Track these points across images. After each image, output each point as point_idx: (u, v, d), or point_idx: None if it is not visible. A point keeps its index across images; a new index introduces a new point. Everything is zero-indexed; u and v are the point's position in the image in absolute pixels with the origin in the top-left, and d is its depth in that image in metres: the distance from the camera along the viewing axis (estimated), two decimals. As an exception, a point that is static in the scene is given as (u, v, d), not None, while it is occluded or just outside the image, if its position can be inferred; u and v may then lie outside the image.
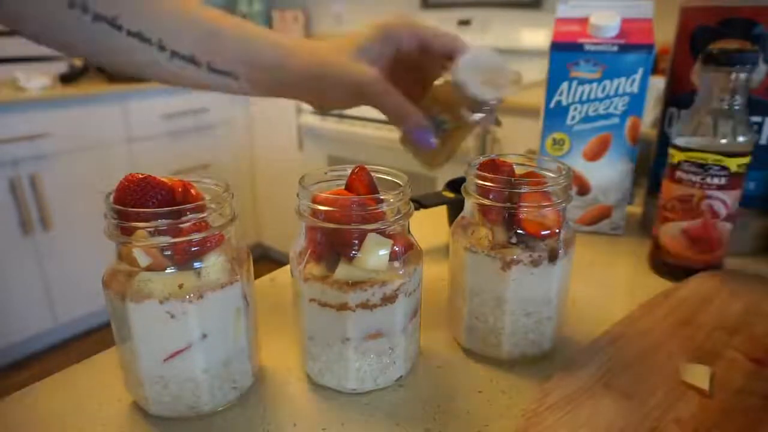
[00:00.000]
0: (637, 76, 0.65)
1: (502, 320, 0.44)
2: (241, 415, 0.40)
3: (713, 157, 0.54)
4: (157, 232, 0.35)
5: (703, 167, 0.55)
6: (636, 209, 0.78)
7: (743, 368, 0.43)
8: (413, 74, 0.51)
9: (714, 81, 0.54)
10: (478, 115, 0.48)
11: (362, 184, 0.40)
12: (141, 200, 0.36)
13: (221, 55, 0.44)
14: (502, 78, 0.47)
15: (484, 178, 0.42)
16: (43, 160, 1.82)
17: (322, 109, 0.50)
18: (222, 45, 0.44)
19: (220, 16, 0.45)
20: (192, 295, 0.36)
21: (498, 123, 0.52)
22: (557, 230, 0.43)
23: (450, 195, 0.65)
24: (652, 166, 0.71)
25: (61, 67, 2.13)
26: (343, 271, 0.38)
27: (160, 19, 0.43)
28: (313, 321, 0.41)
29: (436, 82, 0.52)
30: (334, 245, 0.39)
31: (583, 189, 0.71)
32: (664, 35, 0.77)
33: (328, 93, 0.47)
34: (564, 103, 0.67)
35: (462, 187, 0.45)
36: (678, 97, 0.66)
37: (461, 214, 0.47)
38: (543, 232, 0.43)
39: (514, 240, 0.43)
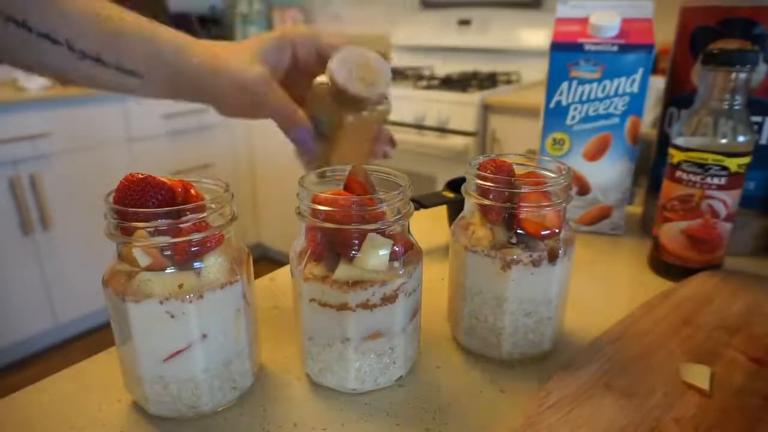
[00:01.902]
0: (637, 76, 0.65)
1: (502, 320, 0.44)
2: (241, 415, 0.40)
3: (713, 157, 0.54)
4: (157, 232, 0.35)
5: (703, 167, 0.55)
6: (636, 209, 0.78)
7: (743, 368, 0.43)
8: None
9: (714, 81, 0.54)
10: (358, 113, 0.48)
11: (359, 184, 0.40)
12: (141, 200, 0.36)
13: (126, 53, 0.45)
14: (379, 76, 0.47)
15: (484, 178, 0.42)
16: (43, 160, 1.82)
17: (226, 114, 0.50)
18: (126, 43, 0.45)
19: (123, 15, 0.46)
20: (192, 295, 0.36)
21: (384, 118, 0.50)
22: (557, 230, 0.43)
23: (450, 195, 0.65)
24: (652, 166, 0.71)
25: (61, 67, 2.12)
26: (343, 271, 0.38)
27: (67, 20, 0.43)
28: (313, 321, 0.41)
29: (316, 81, 0.51)
30: (334, 245, 0.39)
31: (583, 189, 0.71)
32: (664, 35, 0.78)
33: (221, 92, 0.47)
34: (564, 103, 0.67)
35: (462, 187, 0.45)
36: (678, 97, 0.66)
37: (461, 214, 0.47)
38: (543, 232, 0.43)
39: (514, 240, 0.43)
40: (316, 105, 0.49)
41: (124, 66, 0.45)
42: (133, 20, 0.46)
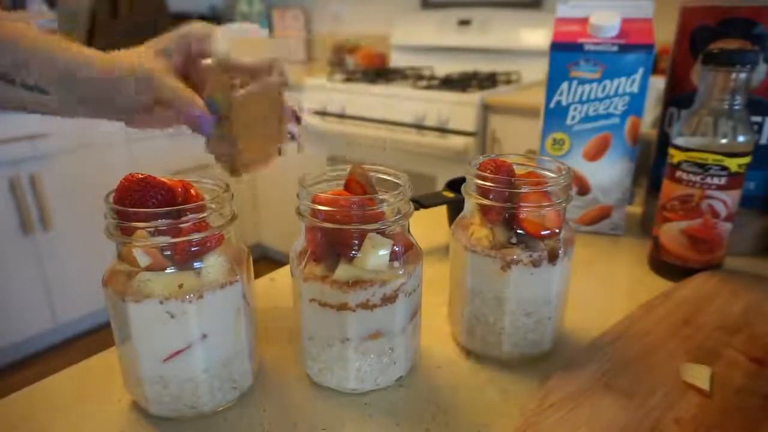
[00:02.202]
0: (637, 76, 0.65)
1: (502, 320, 0.44)
2: (241, 415, 0.40)
3: (713, 157, 0.54)
4: (157, 232, 0.35)
5: (703, 167, 0.55)
6: (636, 209, 0.78)
7: (743, 368, 0.43)
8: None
9: (714, 81, 0.54)
10: (252, 84, 0.49)
11: (359, 184, 0.40)
12: (141, 200, 0.36)
13: (29, 69, 0.45)
14: (260, 46, 0.49)
15: (484, 178, 0.42)
16: (43, 160, 1.82)
17: (134, 124, 0.50)
18: (29, 60, 0.45)
19: (26, 32, 0.46)
20: (192, 295, 0.36)
21: (279, 91, 0.51)
22: (557, 230, 0.43)
23: (450, 195, 0.65)
24: (652, 166, 0.71)
25: (61, 67, 2.12)
26: (343, 271, 0.38)
27: None
28: (313, 321, 0.41)
29: (204, 62, 0.51)
30: (334, 245, 0.39)
31: (583, 189, 0.71)
32: (664, 35, 0.77)
33: (121, 92, 0.47)
34: (564, 103, 0.67)
35: (462, 187, 0.45)
36: (678, 97, 0.66)
37: (461, 214, 0.47)
38: (543, 232, 0.43)
39: (514, 240, 0.43)
40: (208, 86, 0.49)
41: (29, 83, 0.45)
42: (34, 35, 0.46)
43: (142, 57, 0.47)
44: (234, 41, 0.47)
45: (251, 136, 0.51)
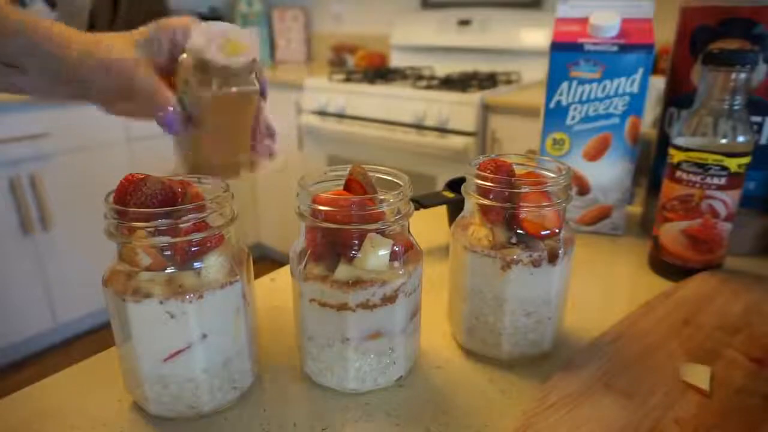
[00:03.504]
0: (637, 76, 0.65)
1: (502, 320, 0.44)
2: (241, 415, 0.40)
3: (713, 157, 0.54)
4: (157, 232, 0.35)
5: (703, 167, 0.55)
6: (636, 209, 0.78)
7: (743, 368, 0.43)
8: None
9: (714, 81, 0.54)
10: (225, 87, 0.47)
11: (359, 184, 0.40)
12: (141, 200, 0.36)
13: (6, 46, 0.43)
14: (239, 48, 0.46)
15: (484, 178, 0.42)
16: (43, 160, 1.82)
17: (111, 111, 0.49)
18: (5, 36, 0.43)
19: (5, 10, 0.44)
20: (192, 295, 0.36)
21: (251, 99, 0.49)
22: (557, 230, 0.43)
23: (450, 195, 0.65)
24: (652, 166, 0.71)
25: (61, 67, 2.12)
26: (343, 271, 0.38)
27: None
28: (313, 321, 0.41)
29: (180, 58, 0.49)
30: (334, 245, 0.39)
31: (583, 189, 0.71)
32: (664, 35, 0.78)
33: (90, 76, 0.45)
34: (564, 103, 0.67)
35: (462, 187, 0.45)
36: (678, 97, 0.66)
37: (461, 214, 0.47)
38: (543, 232, 0.43)
39: (514, 240, 0.43)
40: (180, 83, 0.47)
41: (5, 59, 0.43)
42: (14, 15, 0.44)
43: (115, 43, 0.45)
44: (217, 40, 0.46)
45: (220, 140, 0.49)
